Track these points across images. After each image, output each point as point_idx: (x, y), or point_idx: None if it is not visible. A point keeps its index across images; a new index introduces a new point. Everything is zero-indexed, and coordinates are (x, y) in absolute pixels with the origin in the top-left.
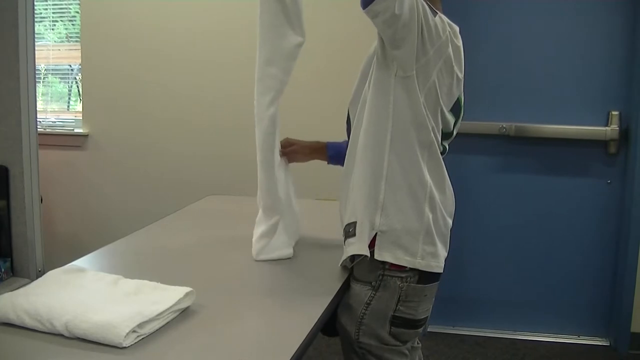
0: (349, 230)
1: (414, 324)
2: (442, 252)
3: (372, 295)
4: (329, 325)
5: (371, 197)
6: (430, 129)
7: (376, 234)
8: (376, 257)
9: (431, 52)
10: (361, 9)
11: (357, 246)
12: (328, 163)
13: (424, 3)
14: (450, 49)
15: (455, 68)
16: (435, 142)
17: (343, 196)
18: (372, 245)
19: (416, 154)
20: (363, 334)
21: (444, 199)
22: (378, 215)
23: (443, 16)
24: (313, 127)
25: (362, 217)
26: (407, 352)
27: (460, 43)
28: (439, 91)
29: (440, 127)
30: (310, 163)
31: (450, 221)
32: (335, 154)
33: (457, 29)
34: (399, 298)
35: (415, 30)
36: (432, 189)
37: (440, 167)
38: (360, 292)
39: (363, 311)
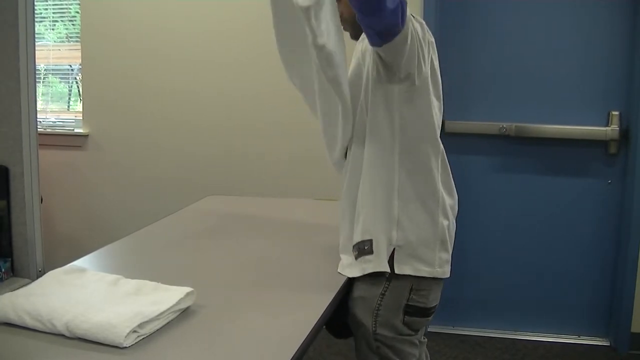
0: (364, 248)
1: (425, 312)
2: (450, 255)
3: (386, 285)
4: (337, 327)
5: (385, 214)
6: (438, 135)
7: (394, 249)
8: (397, 271)
9: (422, 60)
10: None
11: (376, 263)
12: None
13: (410, 15)
14: (432, 49)
15: (435, 63)
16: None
17: (348, 211)
18: (390, 259)
19: (429, 166)
20: (380, 325)
21: (453, 203)
22: (394, 231)
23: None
24: (309, 125)
25: (378, 235)
26: (417, 342)
27: (432, 38)
28: (431, 91)
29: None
30: (310, 163)
31: (455, 223)
32: None
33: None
34: (411, 287)
35: (416, 50)
36: (443, 197)
37: (448, 172)
38: (375, 283)
39: (378, 302)
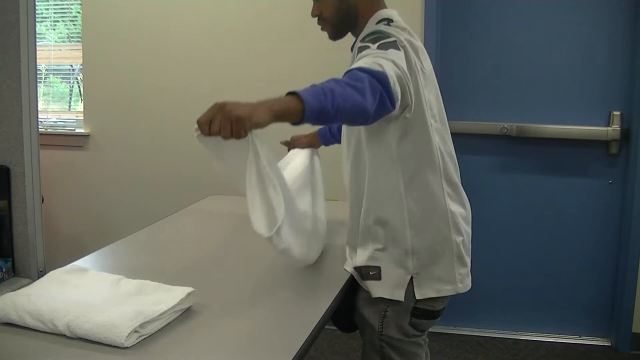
0: (368, 273)
1: (433, 314)
2: (469, 264)
3: None
4: (345, 320)
5: (397, 245)
6: (439, 154)
7: (412, 277)
8: (418, 297)
9: (412, 87)
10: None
11: (383, 290)
12: (325, 145)
13: (397, 50)
14: (419, 65)
15: (427, 71)
16: (449, 161)
17: (353, 235)
18: (409, 284)
19: (434, 189)
20: (387, 326)
21: (466, 214)
22: (410, 260)
23: (397, 25)
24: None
25: (389, 264)
26: (423, 342)
27: (417, 41)
28: (425, 108)
29: (448, 133)
30: None
31: (470, 229)
32: (324, 140)
33: (409, 28)
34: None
35: (406, 86)
36: (454, 214)
37: (456, 185)
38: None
39: (386, 304)
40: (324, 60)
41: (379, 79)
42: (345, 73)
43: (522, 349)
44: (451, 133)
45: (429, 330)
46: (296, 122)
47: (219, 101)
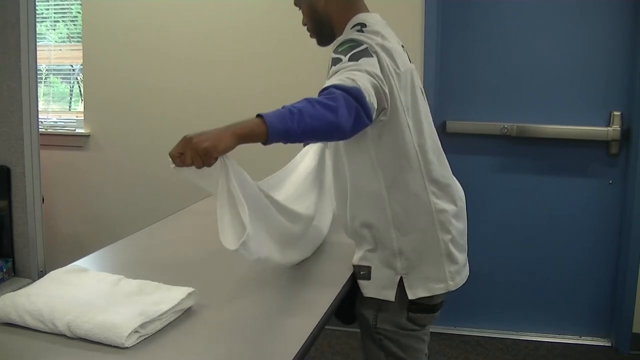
0: (360, 272)
1: (430, 308)
2: (462, 260)
3: None
4: (346, 313)
5: (384, 246)
6: (418, 153)
7: (401, 277)
8: (410, 297)
9: (387, 90)
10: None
11: (372, 290)
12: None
13: (369, 57)
14: (392, 67)
15: (402, 71)
16: (434, 157)
17: (348, 235)
18: (399, 285)
19: (417, 190)
20: (381, 320)
21: (456, 210)
22: (398, 261)
23: (370, 29)
24: None
25: (378, 264)
26: (425, 337)
27: (390, 43)
28: (402, 104)
29: (428, 131)
30: None
31: (464, 224)
32: None
33: (383, 31)
34: None
35: (380, 92)
36: (440, 212)
37: (442, 183)
38: None
39: (380, 302)
40: (324, 60)
41: (353, 95)
42: (321, 91)
43: (522, 349)
44: (451, 133)
45: (430, 330)
46: (263, 143)
47: (186, 134)
